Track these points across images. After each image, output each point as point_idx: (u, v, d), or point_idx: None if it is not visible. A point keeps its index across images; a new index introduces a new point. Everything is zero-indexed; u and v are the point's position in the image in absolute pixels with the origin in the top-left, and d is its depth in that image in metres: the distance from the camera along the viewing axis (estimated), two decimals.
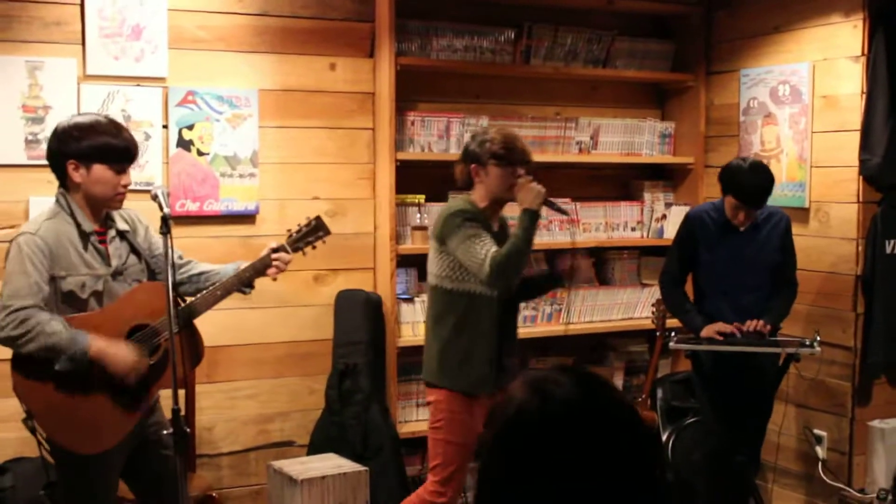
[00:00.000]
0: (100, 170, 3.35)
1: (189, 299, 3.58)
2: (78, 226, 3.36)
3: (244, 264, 3.62)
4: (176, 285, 3.41)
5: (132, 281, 3.48)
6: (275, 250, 3.60)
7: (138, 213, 3.61)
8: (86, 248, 3.37)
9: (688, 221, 4.81)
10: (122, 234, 3.49)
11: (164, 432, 3.26)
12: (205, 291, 3.54)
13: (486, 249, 3.85)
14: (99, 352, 3.28)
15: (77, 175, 3.34)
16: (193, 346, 3.56)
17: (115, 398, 3.37)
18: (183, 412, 3.23)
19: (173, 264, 3.31)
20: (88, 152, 3.33)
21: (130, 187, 3.47)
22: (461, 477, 4.13)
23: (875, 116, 4.86)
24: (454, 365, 4.03)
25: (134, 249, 3.51)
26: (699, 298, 4.80)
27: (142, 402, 3.45)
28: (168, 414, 3.20)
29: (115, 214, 3.50)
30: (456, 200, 4.13)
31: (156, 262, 3.57)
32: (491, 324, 4.01)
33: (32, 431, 3.45)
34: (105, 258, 3.42)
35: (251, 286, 3.65)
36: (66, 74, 4.49)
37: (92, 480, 3.43)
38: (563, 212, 4.31)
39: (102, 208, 3.44)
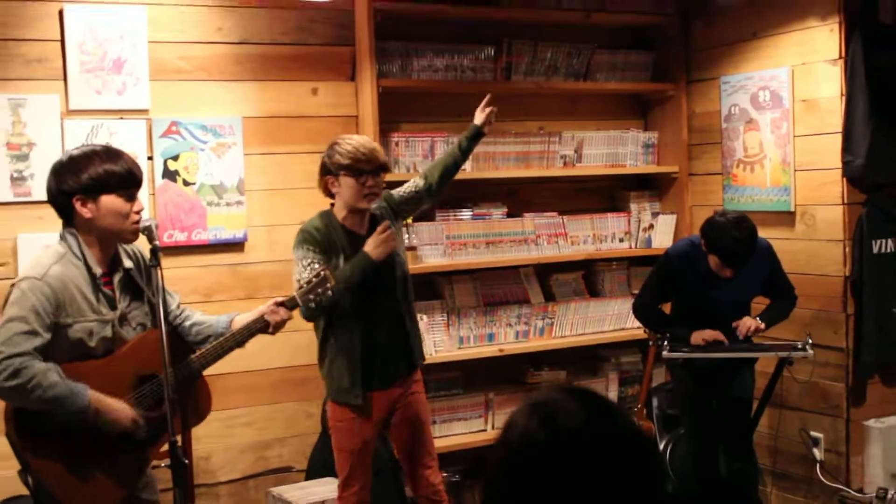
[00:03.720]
0: (108, 200, 3.15)
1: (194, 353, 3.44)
2: (88, 269, 3.17)
3: (239, 318, 3.50)
4: (175, 327, 3.39)
5: (136, 325, 3.29)
6: (280, 304, 3.48)
7: (140, 248, 3.41)
8: (96, 292, 3.17)
9: (669, 262, 4.77)
10: (128, 273, 3.29)
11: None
12: (204, 351, 3.41)
13: (301, 277, 3.82)
14: (97, 408, 3.10)
15: (86, 210, 3.14)
16: (197, 401, 3.43)
17: (119, 453, 3.21)
18: (180, 443, 3.17)
19: (164, 291, 3.23)
20: (92, 184, 3.13)
21: None
22: (358, 480, 4.12)
23: (856, 118, 4.90)
24: (327, 378, 4.06)
25: (138, 290, 3.32)
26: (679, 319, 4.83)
27: (148, 458, 3.33)
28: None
29: (121, 251, 3.30)
30: (311, 218, 4.06)
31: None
32: (354, 336, 3.97)
33: (28, 486, 3.21)
34: (112, 302, 3.23)
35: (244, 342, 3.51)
36: (49, 110, 4.48)
37: None
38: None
39: (116, 243, 3.26)
